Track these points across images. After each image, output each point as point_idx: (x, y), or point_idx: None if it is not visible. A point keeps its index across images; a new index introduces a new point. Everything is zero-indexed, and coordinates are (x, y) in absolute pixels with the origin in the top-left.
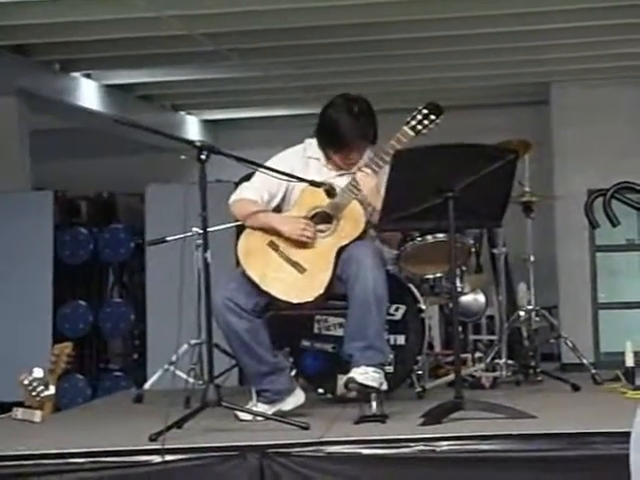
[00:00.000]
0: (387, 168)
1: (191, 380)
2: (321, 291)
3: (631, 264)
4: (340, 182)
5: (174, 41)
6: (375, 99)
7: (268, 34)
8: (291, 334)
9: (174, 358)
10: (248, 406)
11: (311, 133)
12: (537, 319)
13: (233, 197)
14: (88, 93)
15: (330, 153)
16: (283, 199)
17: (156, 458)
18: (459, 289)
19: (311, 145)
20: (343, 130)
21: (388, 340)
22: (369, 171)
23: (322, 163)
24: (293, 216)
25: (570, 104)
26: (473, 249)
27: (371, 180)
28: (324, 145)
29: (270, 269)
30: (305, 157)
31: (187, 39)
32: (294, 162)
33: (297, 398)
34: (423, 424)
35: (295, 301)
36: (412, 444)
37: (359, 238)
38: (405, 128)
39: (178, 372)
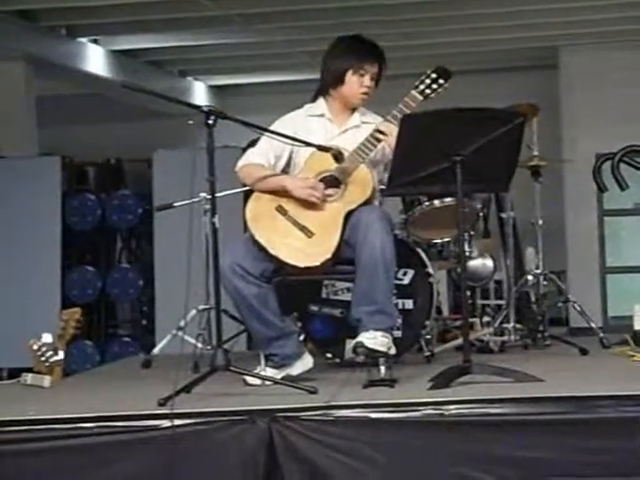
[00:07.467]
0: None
1: (199, 345)
2: (328, 255)
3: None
4: (345, 139)
5: (181, 6)
6: None
7: None
8: (299, 299)
9: (182, 323)
10: (256, 371)
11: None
12: (545, 283)
13: (240, 162)
14: (95, 58)
15: (342, 90)
16: (288, 163)
17: (165, 423)
18: (467, 253)
19: (312, 106)
20: (351, 48)
21: (396, 304)
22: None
23: (326, 118)
24: (302, 177)
25: (578, 68)
26: (481, 213)
27: (395, 127)
28: (333, 82)
29: (278, 233)
30: (307, 116)
31: (194, 4)
32: (297, 124)
33: (305, 362)
34: (431, 388)
35: (302, 265)
36: (420, 408)
37: (367, 202)
38: (414, 92)
39: (186, 337)
